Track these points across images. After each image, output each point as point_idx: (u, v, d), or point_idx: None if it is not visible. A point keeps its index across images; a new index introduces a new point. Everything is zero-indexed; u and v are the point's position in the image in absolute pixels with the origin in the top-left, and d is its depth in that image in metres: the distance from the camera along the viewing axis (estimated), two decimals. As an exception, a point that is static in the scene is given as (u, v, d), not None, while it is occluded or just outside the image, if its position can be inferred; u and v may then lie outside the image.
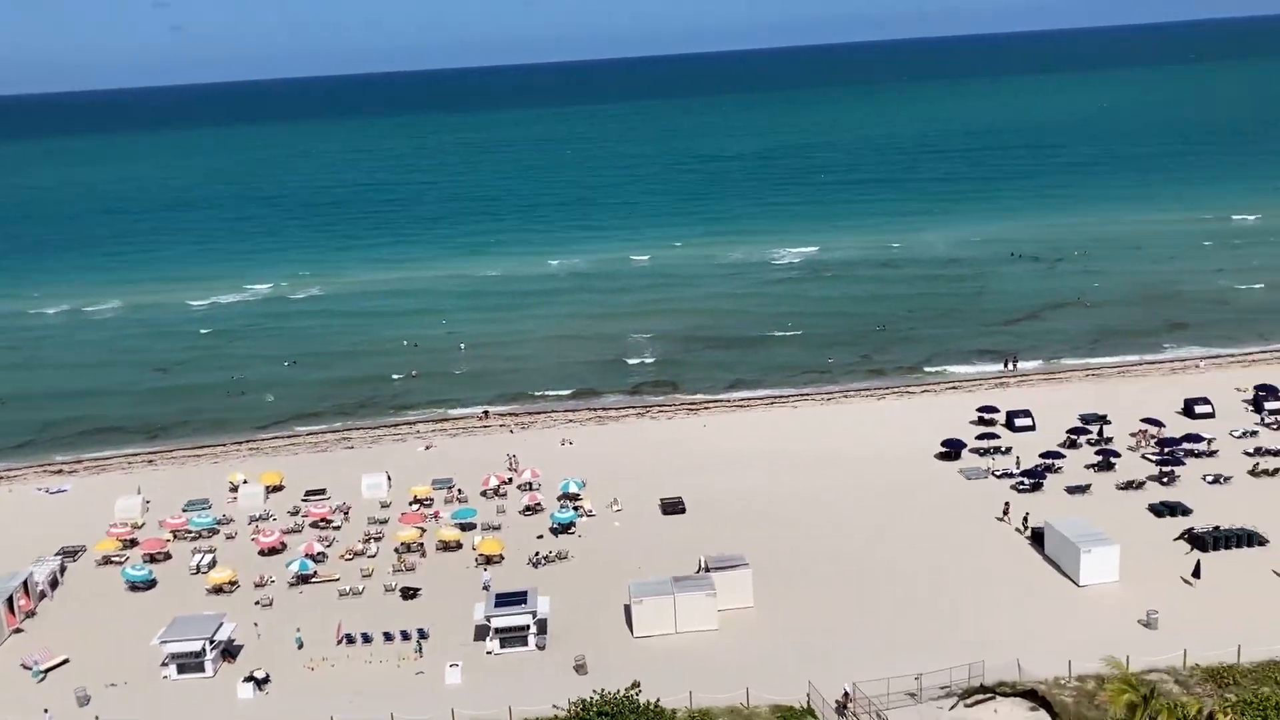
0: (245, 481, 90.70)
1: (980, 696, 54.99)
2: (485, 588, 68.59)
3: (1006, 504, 76.92)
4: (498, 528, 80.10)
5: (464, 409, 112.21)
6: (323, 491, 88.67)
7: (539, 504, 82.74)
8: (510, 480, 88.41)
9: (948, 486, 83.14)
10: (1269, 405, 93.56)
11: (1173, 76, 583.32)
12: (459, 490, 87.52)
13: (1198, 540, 69.45)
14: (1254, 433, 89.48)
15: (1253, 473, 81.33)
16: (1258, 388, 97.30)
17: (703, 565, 68.81)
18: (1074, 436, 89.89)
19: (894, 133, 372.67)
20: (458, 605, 67.21)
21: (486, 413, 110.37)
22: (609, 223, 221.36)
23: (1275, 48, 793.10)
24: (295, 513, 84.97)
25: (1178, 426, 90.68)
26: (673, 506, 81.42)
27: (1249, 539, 69.25)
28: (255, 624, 66.84)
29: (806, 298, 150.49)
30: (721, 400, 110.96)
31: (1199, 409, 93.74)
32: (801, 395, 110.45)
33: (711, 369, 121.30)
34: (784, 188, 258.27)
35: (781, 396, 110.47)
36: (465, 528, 79.57)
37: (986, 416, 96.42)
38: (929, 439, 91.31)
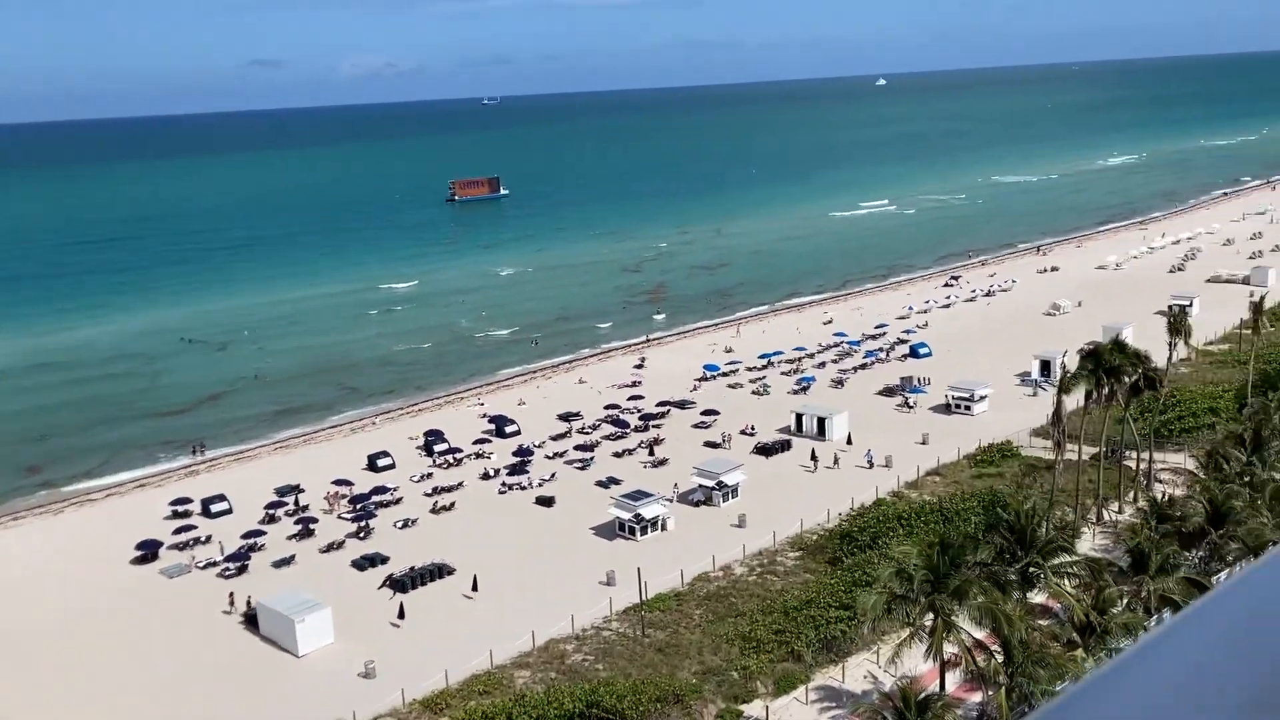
0: None
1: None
2: None
3: (231, 594, 74.57)
4: None
5: None
6: None
7: None
8: None
9: (152, 591, 77.88)
10: (438, 448, 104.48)
11: (308, 159, 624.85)
12: None
13: (398, 584, 74.70)
14: (429, 475, 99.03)
15: (434, 510, 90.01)
16: (426, 433, 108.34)
17: None
18: (272, 511, 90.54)
19: (23, 226, 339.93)
20: None
21: None
22: None
23: (413, 132, 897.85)
24: None
25: (365, 482, 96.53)
26: None
27: (439, 572, 76.43)
28: None
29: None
30: None
31: (381, 462, 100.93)
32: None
33: None
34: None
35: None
36: None
37: (181, 509, 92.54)
38: (123, 546, 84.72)
